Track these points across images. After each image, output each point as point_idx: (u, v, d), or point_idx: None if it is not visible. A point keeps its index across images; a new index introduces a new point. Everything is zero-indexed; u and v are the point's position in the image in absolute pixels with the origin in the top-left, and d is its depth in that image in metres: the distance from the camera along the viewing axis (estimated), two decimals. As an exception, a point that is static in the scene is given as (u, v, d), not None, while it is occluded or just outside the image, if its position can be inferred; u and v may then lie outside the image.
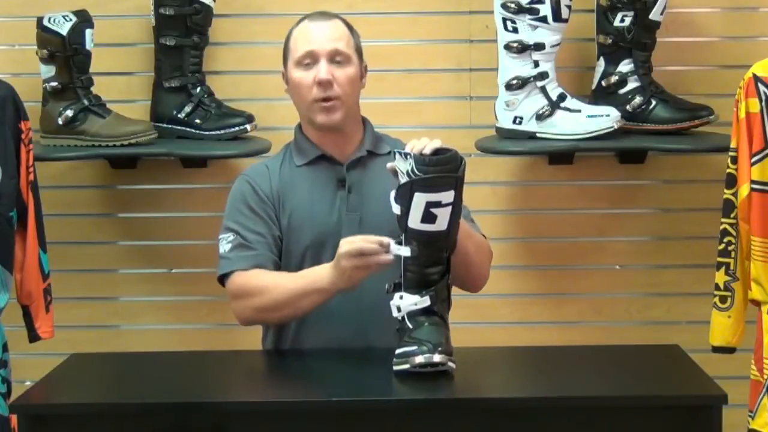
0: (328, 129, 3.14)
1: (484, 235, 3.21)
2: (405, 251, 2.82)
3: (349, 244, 2.90)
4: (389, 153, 3.12)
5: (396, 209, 2.80)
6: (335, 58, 3.10)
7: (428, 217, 2.76)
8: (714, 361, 3.18)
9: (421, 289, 2.82)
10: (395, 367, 2.79)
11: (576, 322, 3.96)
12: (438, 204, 2.75)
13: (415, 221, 2.77)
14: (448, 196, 2.76)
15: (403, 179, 2.77)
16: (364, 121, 3.24)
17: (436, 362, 2.75)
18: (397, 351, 2.80)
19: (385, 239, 2.86)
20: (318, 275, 2.99)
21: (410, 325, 2.81)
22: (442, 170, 2.76)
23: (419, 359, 2.75)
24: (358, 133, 3.20)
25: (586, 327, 3.95)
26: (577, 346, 3.55)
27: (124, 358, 3.32)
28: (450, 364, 2.77)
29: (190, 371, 3.01)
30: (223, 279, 3.13)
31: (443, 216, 2.77)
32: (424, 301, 2.82)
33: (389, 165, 2.89)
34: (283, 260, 3.13)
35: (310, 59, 3.10)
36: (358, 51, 3.18)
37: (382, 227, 2.96)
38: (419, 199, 2.75)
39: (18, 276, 3.48)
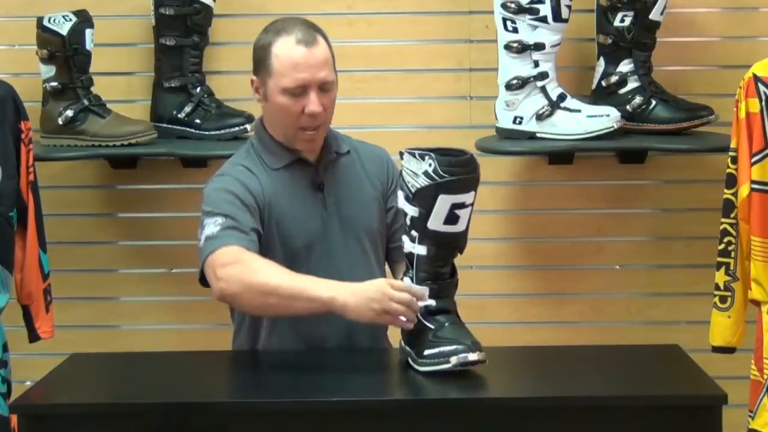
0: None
1: None
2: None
3: (395, 290, 2.81)
4: (348, 152, 3.15)
5: (412, 211, 2.79)
6: (323, 87, 3.02)
7: (451, 218, 2.76)
8: (714, 361, 3.18)
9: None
10: (428, 368, 2.77)
11: (576, 322, 3.96)
12: (462, 205, 2.76)
13: (437, 223, 2.76)
14: (470, 197, 2.78)
15: (418, 180, 2.75)
16: None
17: (476, 360, 2.74)
18: (427, 352, 2.78)
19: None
20: (319, 285, 2.86)
21: (431, 325, 2.80)
22: (466, 171, 2.77)
23: (459, 358, 2.73)
24: None
25: (586, 327, 3.95)
26: (577, 346, 3.55)
27: (124, 358, 3.32)
28: (485, 360, 2.76)
29: (190, 371, 3.01)
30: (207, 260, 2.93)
31: (464, 217, 2.78)
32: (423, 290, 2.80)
33: None
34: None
35: (300, 90, 3.01)
36: (334, 63, 3.07)
37: (360, 228, 3.04)
38: (444, 201, 2.74)
39: (18, 276, 3.48)
